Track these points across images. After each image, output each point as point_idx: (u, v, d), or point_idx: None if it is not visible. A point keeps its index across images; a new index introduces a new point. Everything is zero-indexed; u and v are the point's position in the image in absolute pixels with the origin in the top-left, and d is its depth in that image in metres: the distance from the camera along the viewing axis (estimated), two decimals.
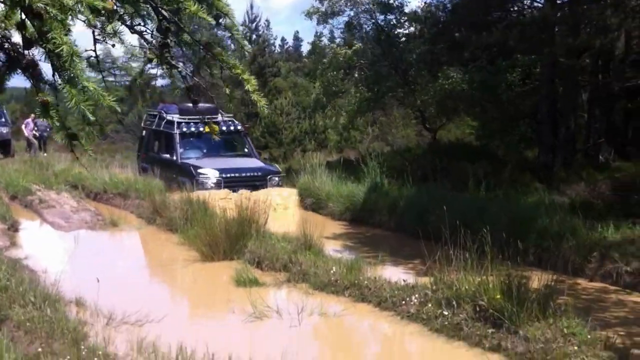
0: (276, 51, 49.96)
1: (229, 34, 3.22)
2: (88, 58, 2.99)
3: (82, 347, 5.24)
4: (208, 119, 14.75)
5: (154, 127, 18.01)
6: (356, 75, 21.23)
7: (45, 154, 23.05)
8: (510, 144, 20.42)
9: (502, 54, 17.75)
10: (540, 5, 17.83)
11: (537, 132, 18.90)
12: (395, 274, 8.43)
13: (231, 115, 17.37)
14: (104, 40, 2.97)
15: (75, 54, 2.50)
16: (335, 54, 20.86)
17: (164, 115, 17.57)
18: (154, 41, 3.14)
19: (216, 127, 13.47)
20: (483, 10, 17.43)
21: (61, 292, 6.87)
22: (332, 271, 8.03)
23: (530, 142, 20.50)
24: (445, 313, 6.55)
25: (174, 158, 16.36)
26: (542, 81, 17.87)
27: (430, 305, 6.76)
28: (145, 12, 3.08)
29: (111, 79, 38.07)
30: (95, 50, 3.02)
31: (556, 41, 14.53)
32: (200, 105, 15.39)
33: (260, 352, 5.62)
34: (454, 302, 6.59)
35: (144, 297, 7.57)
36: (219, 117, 16.27)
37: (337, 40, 24.44)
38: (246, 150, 17.63)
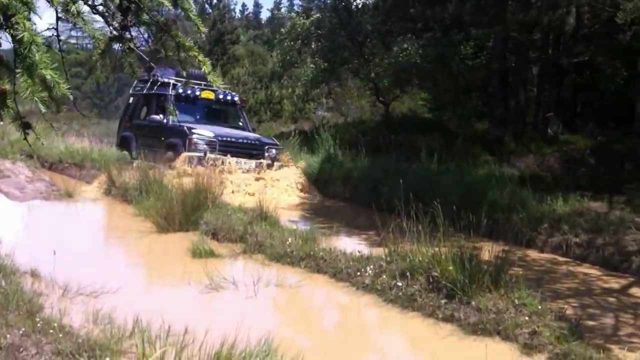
0: (236, 17, 49.40)
1: (186, 15, 3.21)
2: (49, 37, 2.96)
3: (38, 319, 5.19)
4: (205, 85, 15.51)
5: (144, 91, 16.66)
6: (313, 46, 21.20)
7: (1, 123, 22.58)
8: (462, 116, 20.70)
9: (455, 26, 17.89)
10: None
11: (489, 106, 19.17)
12: (350, 245, 8.55)
13: (228, 87, 17.30)
14: (66, 20, 2.94)
15: (35, 42, 2.47)
16: (293, 25, 20.77)
17: (159, 77, 16.05)
18: (115, 23, 3.12)
19: (211, 94, 13.14)
20: None
21: (16, 263, 6.78)
22: (287, 242, 8.11)
23: (482, 115, 20.81)
24: (400, 284, 6.68)
25: (165, 120, 15.26)
26: (494, 55, 18.10)
27: (384, 276, 6.88)
28: None
29: (73, 41, 37.19)
30: (57, 29, 2.99)
31: (508, 16, 14.70)
32: (198, 72, 14.78)
33: (217, 324, 5.65)
34: (408, 274, 6.72)
35: (99, 268, 7.51)
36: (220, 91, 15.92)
37: (296, 8, 24.33)
38: (240, 123, 16.75)
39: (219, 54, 33.19)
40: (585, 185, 12.69)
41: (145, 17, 3.09)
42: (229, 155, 13.81)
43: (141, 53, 3.21)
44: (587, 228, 9.33)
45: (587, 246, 8.93)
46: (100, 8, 3.09)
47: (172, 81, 15.34)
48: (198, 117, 15.88)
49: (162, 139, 14.67)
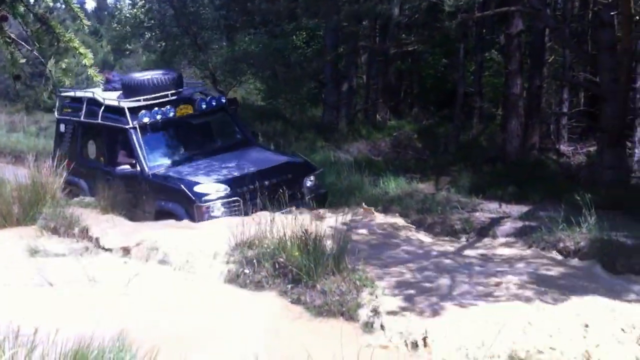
0: (62, 8, 47.00)
1: (66, 7, 3.17)
2: None
3: None
4: (174, 95, 10.55)
5: (81, 117, 11.29)
6: (147, 35, 20.79)
7: None
8: (297, 103, 21.17)
9: (290, 18, 18.25)
10: None
11: (323, 93, 19.77)
12: None
13: (201, 83, 12.69)
14: None
15: None
16: (124, 17, 20.23)
17: (99, 98, 10.93)
18: None
19: (189, 107, 10.03)
20: None
21: None
22: (132, 236, 8.03)
23: (316, 102, 21.37)
24: (247, 271, 6.87)
25: (138, 170, 10.01)
26: (326, 45, 18.65)
27: (231, 264, 7.04)
28: None
29: None
30: None
31: (342, 8, 15.21)
32: (154, 73, 11.94)
33: (68, 322, 5.57)
34: (255, 261, 6.92)
35: None
36: (190, 91, 11.26)
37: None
38: (239, 137, 11.25)
39: (48, 44, 31.49)
40: (413, 168, 13.51)
41: (20, 8, 3.03)
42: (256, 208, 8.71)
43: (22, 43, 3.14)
44: (418, 208, 9.96)
45: (418, 226, 9.49)
46: None
47: (125, 106, 10.30)
48: (181, 150, 10.65)
49: (145, 198, 10.02)
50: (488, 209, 10.09)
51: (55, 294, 6.57)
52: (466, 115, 18.11)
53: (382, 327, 5.73)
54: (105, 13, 29.48)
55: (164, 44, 20.12)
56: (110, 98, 10.78)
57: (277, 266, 6.76)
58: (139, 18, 19.96)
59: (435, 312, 5.82)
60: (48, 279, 6.77)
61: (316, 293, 6.31)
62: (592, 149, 14.99)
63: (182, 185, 9.32)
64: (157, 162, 10.12)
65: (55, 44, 3.08)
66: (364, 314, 5.95)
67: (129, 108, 10.22)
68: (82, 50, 3.02)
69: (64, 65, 3.53)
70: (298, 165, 10.20)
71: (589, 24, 16.48)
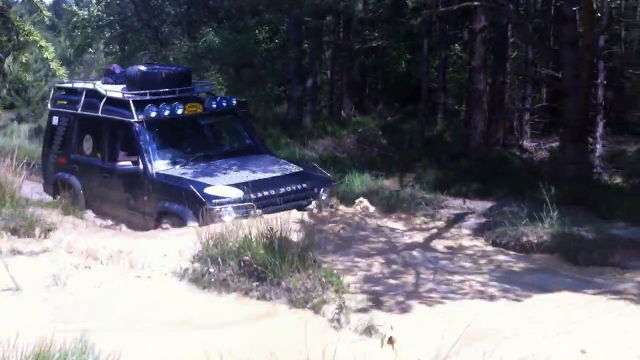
0: (19, 1, 46.25)
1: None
2: None
3: None
4: (181, 91, 9.99)
5: (78, 110, 10.62)
6: (107, 33, 20.54)
7: None
8: (261, 99, 21.11)
9: (253, 13, 18.17)
10: None
11: (287, 89, 19.73)
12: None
13: (212, 83, 11.73)
14: None
15: None
16: (82, 19, 19.96)
17: (101, 90, 10.26)
18: None
19: (198, 106, 9.55)
20: None
21: None
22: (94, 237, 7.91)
23: (281, 98, 21.32)
24: (212, 270, 6.79)
25: (140, 167, 9.39)
26: (290, 40, 18.60)
27: (197, 263, 6.96)
28: None
29: None
30: None
31: (304, 3, 15.18)
32: (163, 67, 11.36)
33: (28, 326, 5.46)
34: (219, 259, 6.85)
35: None
36: (199, 89, 10.76)
37: None
38: (248, 142, 10.62)
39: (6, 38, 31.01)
40: (378, 164, 13.54)
41: None
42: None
43: None
44: (383, 205, 9.97)
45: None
46: None
47: (130, 99, 9.69)
48: (189, 150, 10.02)
49: (146, 198, 9.36)
50: (452, 205, 10.17)
51: (14, 297, 6.43)
52: (430, 111, 18.20)
53: (347, 323, 5.71)
54: (63, 6, 28.97)
55: (125, 40, 19.92)
56: (113, 90, 10.12)
57: (242, 264, 6.70)
58: (99, 16, 19.72)
59: (402, 310, 5.82)
60: (6, 281, 6.62)
61: (281, 290, 6.28)
62: (554, 144, 15.17)
63: (192, 186, 8.65)
64: (163, 161, 9.49)
65: (15, 37, 2.99)
66: (329, 310, 5.93)
67: (134, 101, 9.61)
68: (43, 43, 2.94)
69: (24, 59, 3.42)
70: (313, 176, 9.71)
71: (552, 20, 16.67)
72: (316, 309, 5.98)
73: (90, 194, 10.25)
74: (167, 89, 9.77)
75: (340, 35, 20.48)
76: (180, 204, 8.64)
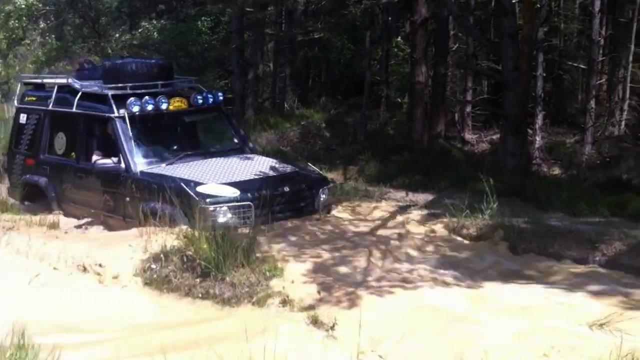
0: None
1: None
2: None
3: None
4: (163, 85, 9.30)
5: (50, 106, 9.82)
6: (42, 24, 20.03)
7: None
8: None
9: (194, 4, 17.99)
10: None
11: (229, 82, 19.59)
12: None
13: (195, 78, 10.73)
14: None
15: None
16: (19, 5, 19.40)
17: (75, 85, 9.49)
18: None
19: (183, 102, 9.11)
20: None
21: None
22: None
23: (222, 91, 21.14)
24: (153, 266, 6.71)
25: (122, 165, 8.66)
26: (231, 32, 18.48)
27: (138, 260, 6.86)
28: None
29: None
30: None
31: None
32: (142, 59, 10.36)
33: None
34: (162, 255, 6.77)
35: None
36: (182, 84, 10.03)
37: None
38: (236, 140, 9.90)
39: None
40: (322, 157, 13.54)
41: None
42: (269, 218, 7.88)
43: None
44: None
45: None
46: None
47: (109, 93, 8.97)
48: (174, 147, 9.31)
49: (128, 199, 8.54)
50: (395, 198, 10.24)
51: None
52: (374, 104, 18.27)
53: (292, 316, 5.71)
54: None
55: (61, 32, 19.50)
56: (88, 84, 9.42)
57: (185, 260, 6.65)
58: (34, 5, 19.21)
59: (349, 300, 5.85)
60: None
61: (225, 285, 6.25)
62: (495, 136, 15.39)
63: (183, 184, 7.94)
64: (147, 159, 8.75)
65: None
66: (274, 304, 5.93)
67: (113, 96, 8.90)
68: None
69: None
70: (310, 177, 9.17)
71: (492, 12, 16.90)
72: (261, 303, 5.98)
73: (63, 197, 9.51)
74: (148, 83, 9.09)
75: (283, 27, 20.42)
76: (168, 204, 7.64)
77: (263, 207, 7.74)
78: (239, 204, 7.78)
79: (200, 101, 9.36)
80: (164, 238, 6.97)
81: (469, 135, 16.57)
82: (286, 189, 8.37)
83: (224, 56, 19.20)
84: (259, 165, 8.97)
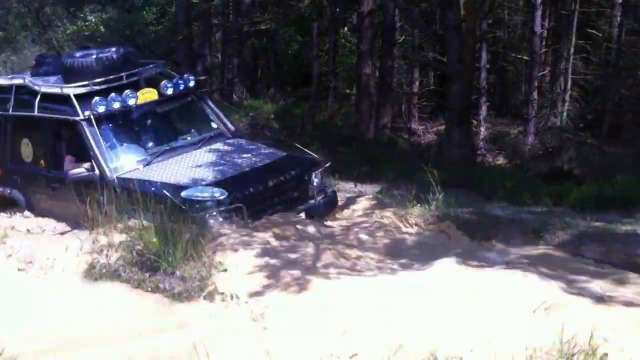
0: None
1: None
2: None
3: None
4: (130, 76, 8.40)
5: (9, 111, 8.89)
6: None
7: None
8: None
9: None
10: None
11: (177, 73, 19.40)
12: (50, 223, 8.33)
13: (161, 62, 9.42)
14: None
15: None
16: None
17: (33, 85, 8.55)
18: None
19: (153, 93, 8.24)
20: None
21: None
22: None
23: None
24: (102, 261, 6.66)
25: (96, 173, 7.87)
26: (178, 23, 18.33)
27: (86, 255, 6.81)
28: None
29: None
30: None
31: None
32: (102, 50, 9.19)
33: None
34: (109, 250, 6.72)
35: None
36: (149, 71, 8.76)
37: None
38: (215, 126, 9.00)
39: None
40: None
41: None
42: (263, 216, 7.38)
43: None
44: None
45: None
46: None
47: (71, 93, 8.07)
48: (149, 145, 8.47)
49: (106, 211, 7.43)
50: (344, 189, 10.32)
51: None
52: (322, 95, 18.36)
53: (239, 309, 5.72)
54: None
55: (6, 21, 19.08)
56: (47, 84, 8.56)
57: (134, 254, 6.61)
58: None
59: (299, 286, 5.87)
60: None
61: (175, 280, 6.22)
62: (441, 127, 15.63)
63: (165, 191, 7.20)
64: (121, 162, 7.99)
65: None
66: (222, 298, 5.93)
67: (75, 95, 8.02)
68: None
69: None
70: (300, 159, 8.42)
71: (437, 4, 17.10)
72: (210, 297, 5.98)
73: (38, 209, 8.65)
74: (111, 76, 8.20)
75: (230, 18, 20.32)
76: (153, 214, 6.83)
77: (256, 205, 7.30)
78: (229, 207, 7.19)
79: (171, 90, 8.53)
80: (113, 232, 6.91)
81: (415, 127, 16.81)
82: (277, 179, 7.74)
83: (172, 47, 19.03)
84: (244, 154, 8.30)
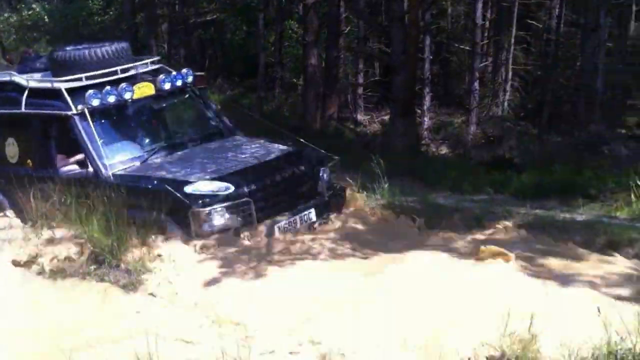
0: None
1: None
2: None
3: None
4: (125, 70, 8.00)
5: None
6: None
7: None
8: None
9: None
10: None
11: None
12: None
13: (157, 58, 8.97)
14: None
15: None
16: None
17: (21, 81, 8.05)
18: None
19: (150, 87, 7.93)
20: None
21: None
22: None
23: None
24: (47, 254, 6.62)
25: (90, 170, 7.43)
26: (123, 13, 18.16)
27: (29, 247, 6.75)
28: None
29: None
30: None
31: None
32: (93, 44, 8.84)
33: None
34: (54, 244, 6.69)
35: None
36: (145, 66, 8.35)
37: None
38: (214, 123, 8.64)
39: None
40: None
41: None
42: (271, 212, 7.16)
43: None
44: None
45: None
46: None
47: (63, 87, 7.59)
48: (146, 141, 8.07)
49: (102, 209, 7.07)
50: None
51: None
52: (269, 86, 18.38)
53: (193, 301, 5.74)
54: None
55: None
56: (36, 79, 8.12)
57: (80, 247, 6.59)
58: None
59: (255, 274, 5.93)
60: None
61: (120, 272, 6.23)
62: (387, 117, 15.80)
63: (167, 185, 6.78)
64: (117, 158, 7.52)
65: None
66: (167, 289, 5.94)
67: (67, 89, 7.55)
68: None
69: None
70: (307, 154, 8.09)
71: None
72: (157, 289, 5.99)
73: (25, 212, 7.68)
74: (105, 70, 7.78)
75: (176, 8, 20.16)
76: (152, 210, 6.67)
77: (263, 200, 7.04)
78: (236, 202, 6.85)
79: (168, 85, 8.08)
80: (56, 225, 6.87)
81: (361, 117, 16.97)
82: (283, 174, 7.38)
83: (117, 38, 18.81)
84: (247, 149, 7.92)
